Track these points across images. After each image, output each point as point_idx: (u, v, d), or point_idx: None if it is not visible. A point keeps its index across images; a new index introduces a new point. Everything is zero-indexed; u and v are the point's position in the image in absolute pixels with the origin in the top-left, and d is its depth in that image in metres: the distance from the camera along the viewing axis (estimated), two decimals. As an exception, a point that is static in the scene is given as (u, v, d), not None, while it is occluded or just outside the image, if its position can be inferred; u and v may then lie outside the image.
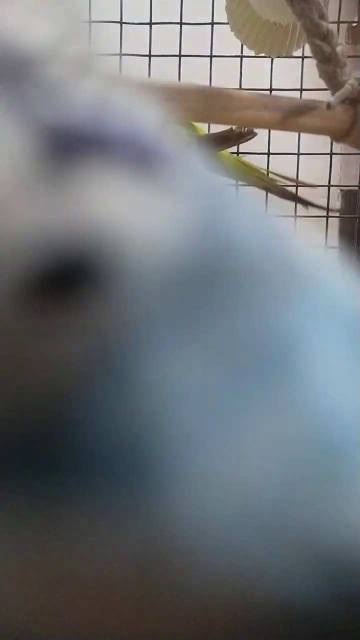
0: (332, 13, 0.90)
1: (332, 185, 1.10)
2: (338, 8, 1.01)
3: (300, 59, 1.02)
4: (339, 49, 0.82)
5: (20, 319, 0.13)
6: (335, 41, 0.81)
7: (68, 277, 0.13)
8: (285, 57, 0.97)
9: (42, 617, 0.14)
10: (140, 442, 0.14)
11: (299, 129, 0.90)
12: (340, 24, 1.02)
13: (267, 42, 0.94)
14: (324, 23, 0.80)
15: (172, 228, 0.14)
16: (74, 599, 0.14)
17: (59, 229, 0.13)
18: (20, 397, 0.13)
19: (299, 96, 1.01)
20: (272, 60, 1.02)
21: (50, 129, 0.14)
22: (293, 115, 0.84)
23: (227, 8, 0.96)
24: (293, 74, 1.03)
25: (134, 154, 0.15)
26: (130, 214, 0.14)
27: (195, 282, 0.14)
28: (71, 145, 0.14)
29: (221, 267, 0.15)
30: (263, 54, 0.97)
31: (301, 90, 1.03)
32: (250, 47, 0.96)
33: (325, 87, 0.86)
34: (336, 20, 0.99)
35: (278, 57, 0.97)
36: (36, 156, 0.14)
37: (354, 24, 1.10)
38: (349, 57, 0.83)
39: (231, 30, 0.96)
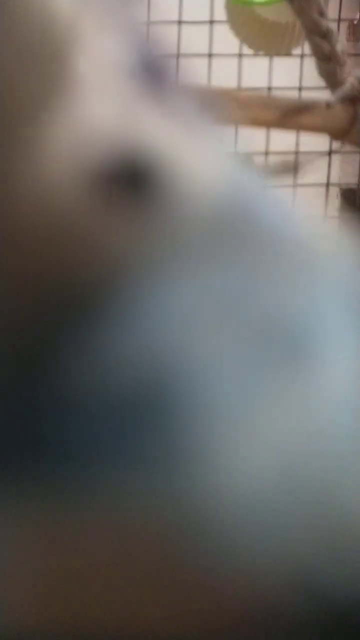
0: (332, 10, 0.90)
1: (331, 184, 1.10)
2: (338, 5, 1.01)
3: (300, 58, 1.02)
4: (338, 47, 0.82)
5: (87, 206, 0.15)
6: (335, 39, 0.81)
7: (131, 179, 0.15)
8: (285, 55, 0.96)
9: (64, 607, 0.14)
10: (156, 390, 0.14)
11: (298, 128, 0.90)
12: (341, 22, 1.02)
13: (266, 40, 0.94)
14: (323, 21, 0.80)
15: (218, 176, 0.16)
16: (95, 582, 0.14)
17: (133, 137, 0.15)
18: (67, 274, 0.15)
19: (298, 95, 1.00)
20: (271, 58, 1.02)
21: (142, 58, 0.17)
22: (292, 114, 0.84)
23: (226, 6, 0.95)
24: (292, 73, 1.03)
25: (188, 106, 0.17)
26: (189, 150, 0.16)
27: (225, 233, 0.16)
28: (153, 78, 0.17)
29: (248, 231, 0.16)
30: (262, 53, 0.97)
31: (300, 89, 1.03)
32: (249, 46, 0.96)
33: (325, 86, 0.85)
34: (336, 17, 0.99)
35: (277, 55, 0.97)
36: (126, 73, 0.16)
37: (354, 22, 1.10)
38: (349, 55, 0.83)
39: (230, 29, 0.96)
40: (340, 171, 1.22)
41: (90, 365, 0.14)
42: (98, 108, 0.15)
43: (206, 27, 1.02)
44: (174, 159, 0.16)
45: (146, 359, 0.14)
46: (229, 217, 0.16)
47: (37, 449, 0.14)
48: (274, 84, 1.03)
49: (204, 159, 0.16)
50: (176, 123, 0.16)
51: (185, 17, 1.02)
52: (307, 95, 0.97)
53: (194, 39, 1.01)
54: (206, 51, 1.02)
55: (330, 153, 1.07)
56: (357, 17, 1.09)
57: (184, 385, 0.14)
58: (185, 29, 1.02)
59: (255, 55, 0.98)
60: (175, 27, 1.02)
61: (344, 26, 1.07)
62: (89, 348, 0.15)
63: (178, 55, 1.02)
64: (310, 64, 0.87)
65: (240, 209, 0.16)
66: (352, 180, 1.16)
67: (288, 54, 0.96)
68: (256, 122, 0.86)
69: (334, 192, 1.19)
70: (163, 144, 0.16)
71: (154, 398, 0.14)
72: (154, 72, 0.17)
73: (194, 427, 0.14)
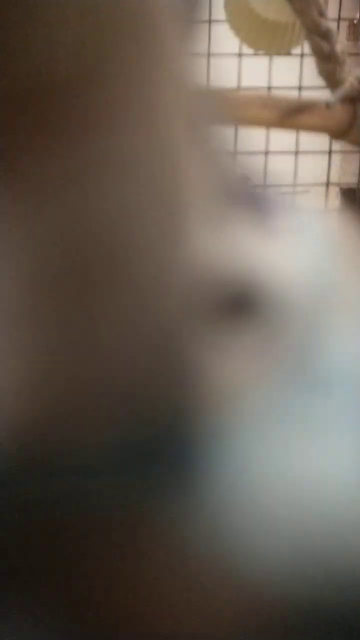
0: (332, 10, 0.90)
1: (331, 184, 1.10)
2: (338, 5, 1.01)
3: (300, 57, 1.01)
4: (338, 46, 0.81)
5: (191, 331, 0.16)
6: (334, 39, 0.81)
7: (234, 304, 0.16)
8: (284, 55, 0.96)
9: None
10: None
11: (298, 128, 0.89)
12: (341, 21, 1.01)
13: (265, 40, 0.94)
14: (323, 20, 0.80)
15: (296, 277, 0.17)
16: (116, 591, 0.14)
17: (228, 266, 0.16)
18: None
19: (297, 95, 1.00)
20: (270, 58, 1.02)
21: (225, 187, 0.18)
22: (292, 114, 0.84)
23: (226, 6, 0.95)
24: (292, 72, 1.03)
25: (272, 218, 0.18)
26: (275, 263, 0.17)
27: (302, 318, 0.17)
28: (232, 203, 0.17)
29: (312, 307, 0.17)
30: (262, 52, 0.96)
31: (300, 88, 1.03)
32: (249, 46, 0.96)
33: (325, 85, 0.85)
34: (336, 17, 0.99)
35: (277, 55, 0.97)
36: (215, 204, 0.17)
37: (354, 21, 1.10)
38: (349, 54, 0.83)
39: (230, 29, 0.95)
40: (340, 171, 1.21)
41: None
42: (204, 240, 0.16)
43: (205, 27, 1.01)
44: (274, 283, 0.17)
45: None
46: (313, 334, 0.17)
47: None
48: (274, 83, 1.03)
49: (297, 275, 0.17)
50: (271, 244, 0.17)
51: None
52: (307, 94, 0.96)
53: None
54: (205, 51, 1.02)
55: (330, 153, 1.07)
56: (357, 16, 1.09)
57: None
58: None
59: (255, 54, 0.98)
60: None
61: (343, 26, 1.07)
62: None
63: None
64: (310, 64, 0.87)
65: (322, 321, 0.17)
66: (352, 180, 1.16)
67: (288, 53, 0.96)
68: (256, 122, 0.85)
69: (334, 192, 1.19)
70: (264, 270, 0.17)
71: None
72: (250, 200, 0.18)
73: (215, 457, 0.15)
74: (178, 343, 0.15)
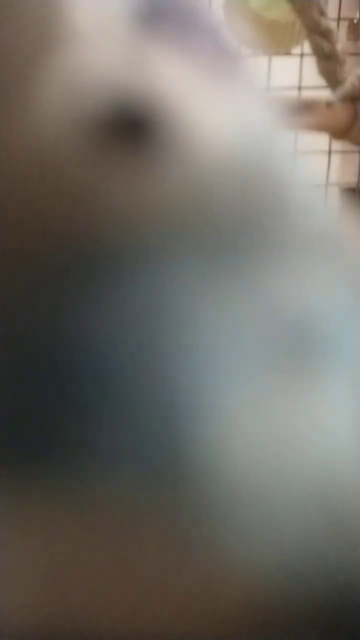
0: (332, 10, 0.90)
1: (331, 184, 1.10)
2: (338, 5, 1.01)
3: (300, 57, 1.01)
4: (339, 46, 0.81)
5: (84, 156, 0.14)
6: (335, 38, 0.81)
7: (131, 127, 0.14)
8: (284, 55, 0.96)
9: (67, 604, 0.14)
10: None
11: (298, 127, 0.89)
12: (341, 21, 1.02)
13: (265, 40, 0.94)
14: (323, 20, 0.80)
15: (233, 127, 0.15)
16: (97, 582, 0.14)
17: (134, 83, 0.14)
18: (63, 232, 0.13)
19: (297, 94, 1.00)
20: (270, 58, 1.02)
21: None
22: (292, 114, 0.84)
23: (225, 7, 0.95)
24: (292, 72, 1.03)
25: (214, 50, 0.16)
26: (200, 99, 0.15)
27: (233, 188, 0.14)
28: (160, 17, 0.15)
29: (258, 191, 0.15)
30: (262, 52, 0.96)
31: (300, 88, 1.03)
32: (248, 45, 0.96)
33: (325, 85, 0.85)
34: (336, 17, 0.99)
35: (277, 55, 0.97)
36: (128, 14, 0.15)
37: (354, 21, 1.10)
38: (349, 54, 0.83)
39: (228, 29, 0.95)
40: (341, 171, 1.21)
41: (85, 340, 0.13)
42: (96, 52, 0.14)
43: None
44: (184, 106, 0.14)
45: (146, 336, 0.13)
46: (242, 176, 0.14)
47: (37, 443, 0.14)
48: (274, 83, 1.02)
49: (222, 107, 0.15)
50: (190, 67, 0.15)
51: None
52: (307, 94, 0.96)
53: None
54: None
55: (330, 153, 1.07)
56: (357, 16, 1.09)
57: (182, 368, 0.14)
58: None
59: (255, 54, 0.98)
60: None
61: (343, 25, 1.07)
62: (82, 318, 0.13)
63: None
64: (310, 63, 0.87)
65: (257, 168, 0.15)
66: (352, 180, 1.16)
67: (288, 53, 0.96)
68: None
69: (334, 192, 1.19)
70: (171, 89, 0.14)
71: (151, 381, 0.14)
72: (165, 11, 0.15)
73: (196, 419, 0.14)
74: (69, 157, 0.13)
